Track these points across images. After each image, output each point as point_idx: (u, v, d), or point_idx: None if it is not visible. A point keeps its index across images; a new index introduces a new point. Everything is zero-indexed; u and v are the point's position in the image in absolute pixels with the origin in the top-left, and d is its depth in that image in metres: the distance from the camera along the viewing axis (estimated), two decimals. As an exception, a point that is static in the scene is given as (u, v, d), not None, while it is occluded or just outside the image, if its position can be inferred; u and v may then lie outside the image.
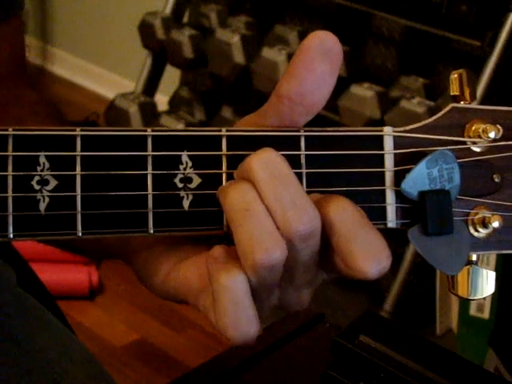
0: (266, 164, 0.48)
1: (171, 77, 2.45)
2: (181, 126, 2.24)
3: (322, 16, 2.19)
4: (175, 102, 2.43)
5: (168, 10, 2.33)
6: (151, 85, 2.39)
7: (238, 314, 0.48)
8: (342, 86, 1.96)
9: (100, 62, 3.06)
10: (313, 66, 0.50)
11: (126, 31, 2.72)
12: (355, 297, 1.89)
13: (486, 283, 0.52)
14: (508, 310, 1.53)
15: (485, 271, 0.52)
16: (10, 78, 0.76)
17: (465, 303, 1.63)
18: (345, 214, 0.48)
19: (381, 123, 1.87)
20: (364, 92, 1.89)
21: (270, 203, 0.47)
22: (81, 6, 3.10)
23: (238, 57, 2.11)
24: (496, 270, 0.53)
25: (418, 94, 1.90)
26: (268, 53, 2.05)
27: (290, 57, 2.02)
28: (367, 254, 0.48)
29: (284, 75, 0.50)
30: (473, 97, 0.53)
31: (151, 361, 1.84)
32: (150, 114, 2.31)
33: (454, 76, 0.53)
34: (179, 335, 1.88)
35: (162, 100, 2.48)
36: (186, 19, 2.40)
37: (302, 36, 2.12)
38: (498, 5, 1.75)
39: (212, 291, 0.48)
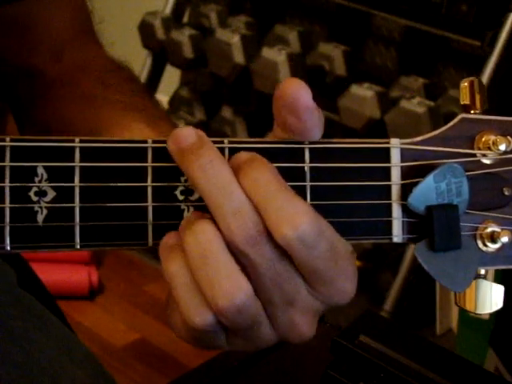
0: (206, 168, 0.47)
1: (171, 77, 2.45)
2: (181, 126, 2.24)
3: (322, 16, 2.19)
4: (175, 102, 2.43)
5: (168, 10, 2.33)
6: (151, 85, 2.39)
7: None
8: (341, 85, 1.96)
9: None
10: (283, 118, 0.49)
11: (126, 31, 2.72)
12: (355, 297, 1.89)
13: (495, 297, 0.51)
14: (508, 310, 1.52)
15: (493, 285, 0.51)
16: (77, 42, 0.76)
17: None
18: (257, 185, 0.47)
19: (381, 123, 1.87)
20: (364, 92, 1.89)
21: (210, 208, 0.47)
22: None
23: (238, 57, 2.11)
24: (496, 270, 0.52)
25: (418, 94, 1.90)
26: (268, 53, 2.05)
27: (289, 57, 2.02)
28: (282, 220, 0.46)
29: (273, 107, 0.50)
30: (483, 105, 0.52)
31: (151, 361, 1.84)
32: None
33: (465, 84, 0.52)
34: (179, 335, 1.88)
35: (162, 100, 2.48)
36: (186, 19, 2.40)
37: (302, 36, 2.12)
38: (497, 5, 1.75)
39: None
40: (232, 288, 0.46)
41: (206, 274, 0.46)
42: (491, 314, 1.57)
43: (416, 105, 1.83)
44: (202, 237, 0.47)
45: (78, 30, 0.77)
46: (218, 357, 0.86)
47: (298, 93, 0.48)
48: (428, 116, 1.81)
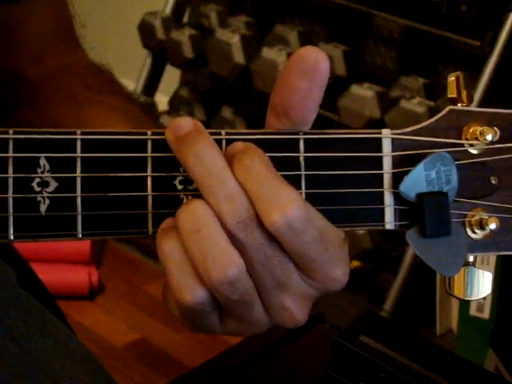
0: (201, 157, 0.48)
1: (171, 77, 2.45)
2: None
3: (322, 16, 2.19)
4: (175, 102, 2.43)
5: (168, 10, 2.33)
6: (151, 85, 2.39)
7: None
8: (342, 86, 1.96)
9: (100, 62, 3.05)
10: (292, 83, 0.50)
11: (126, 31, 2.72)
12: (355, 297, 1.89)
13: (483, 284, 0.53)
14: (508, 310, 1.53)
15: (481, 272, 0.53)
16: (59, 47, 0.77)
17: (465, 303, 1.63)
18: (249, 173, 0.48)
19: (381, 123, 1.87)
20: (364, 92, 1.89)
21: (204, 195, 0.49)
22: (80, 6, 3.10)
23: (238, 57, 2.11)
24: (496, 270, 0.53)
25: (418, 94, 1.90)
26: (268, 53, 2.05)
27: (290, 57, 2.02)
28: (272, 207, 0.48)
29: (274, 87, 0.51)
30: (470, 99, 0.53)
31: (151, 361, 1.84)
32: (149, 114, 2.31)
33: (451, 79, 0.54)
34: (179, 335, 1.88)
35: (162, 100, 2.48)
36: (186, 19, 2.40)
37: (302, 36, 2.12)
38: (497, 5, 1.75)
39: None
40: (225, 261, 0.48)
41: (199, 248, 0.48)
42: (491, 314, 1.57)
43: (416, 105, 1.83)
44: (195, 212, 0.48)
45: (60, 36, 0.78)
46: (218, 357, 0.86)
47: (319, 57, 0.50)
48: (428, 116, 1.80)
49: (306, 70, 0.50)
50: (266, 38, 2.18)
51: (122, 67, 3.13)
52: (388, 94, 1.92)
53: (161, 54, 2.32)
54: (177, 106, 2.42)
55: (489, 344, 1.57)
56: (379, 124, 1.87)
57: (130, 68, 2.76)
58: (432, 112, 1.81)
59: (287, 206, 0.47)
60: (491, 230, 0.53)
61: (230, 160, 0.49)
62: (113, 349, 1.86)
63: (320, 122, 0.53)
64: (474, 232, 0.53)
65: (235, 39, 2.11)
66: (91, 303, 2.01)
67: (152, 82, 2.39)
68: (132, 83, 2.50)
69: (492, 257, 1.42)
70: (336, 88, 1.97)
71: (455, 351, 1.59)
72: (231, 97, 2.34)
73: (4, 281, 0.77)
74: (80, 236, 0.50)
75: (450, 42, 1.92)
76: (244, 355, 0.85)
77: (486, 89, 1.71)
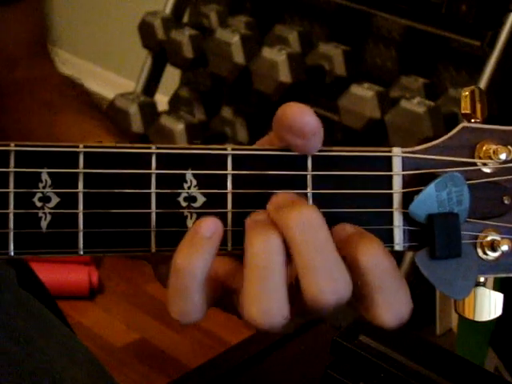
0: (305, 227, 0.45)
1: (171, 77, 2.45)
2: (181, 126, 2.23)
3: (321, 16, 2.19)
4: (175, 102, 2.43)
5: (168, 10, 2.33)
6: (151, 85, 2.39)
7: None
8: (342, 86, 1.96)
9: (100, 62, 3.06)
10: (286, 139, 0.48)
11: (126, 31, 2.72)
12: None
13: (494, 305, 0.52)
14: (508, 310, 1.52)
15: (492, 293, 0.51)
16: (32, 58, 0.77)
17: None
18: (375, 260, 0.46)
19: (381, 123, 1.87)
20: (364, 92, 1.89)
21: (301, 268, 0.45)
22: (81, 6, 3.10)
23: (238, 57, 2.11)
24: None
25: (418, 94, 1.90)
26: (268, 53, 2.05)
27: (290, 57, 2.02)
28: (391, 307, 0.47)
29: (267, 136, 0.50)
30: (484, 113, 0.51)
31: (151, 361, 1.84)
32: (149, 114, 2.31)
33: (466, 93, 0.51)
34: (179, 335, 1.88)
35: (162, 100, 2.48)
36: (186, 19, 2.40)
37: (302, 36, 2.12)
38: (497, 5, 1.75)
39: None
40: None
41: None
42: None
43: (416, 105, 1.83)
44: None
45: (34, 49, 0.77)
46: (218, 357, 0.86)
47: (305, 118, 0.47)
48: (428, 116, 1.80)
49: (297, 132, 0.47)
50: (266, 38, 2.18)
51: (122, 67, 3.13)
52: (388, 94, 1.92)
53: (161, 53, 2.32)
54: (177, 106, 2.42)
55: (489, 344, 1.57)
56: (379, 124, 1.87)
57: (130, 68, 2.76)
58: (432, 112, 1.81)
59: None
60: (503, 252, 0.51)
61: (345, 242, 0.47)
62: (113, 349, 1.86)
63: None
64: (485, 253, 0.51)
65: (235, 39, 2.11)
66: (91, 303, 2.01)
67: (152, 82, 2.39)
68: (132, 83, 2.50)
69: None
70: (336, 88, 1.97)
71: (455, 351, 1.58)
72: (231, 97, 2.34)
73: (4, 281, 0.77)
74: (81, 253, 0.49)
75: (450, 42, 1.92)
76: (244, 355, 0.85)
77: (486, 89, 1.71)
